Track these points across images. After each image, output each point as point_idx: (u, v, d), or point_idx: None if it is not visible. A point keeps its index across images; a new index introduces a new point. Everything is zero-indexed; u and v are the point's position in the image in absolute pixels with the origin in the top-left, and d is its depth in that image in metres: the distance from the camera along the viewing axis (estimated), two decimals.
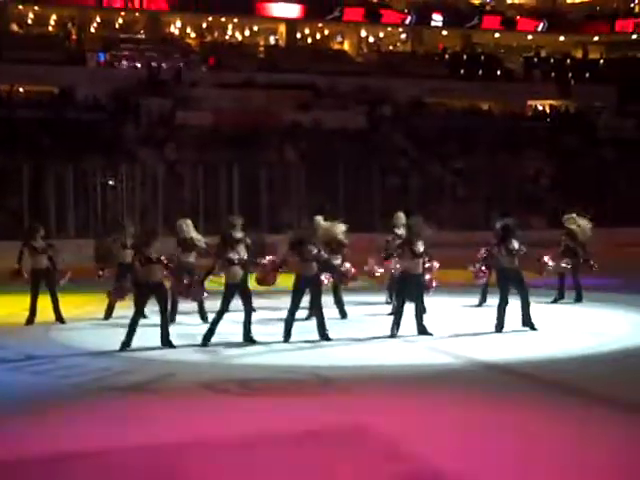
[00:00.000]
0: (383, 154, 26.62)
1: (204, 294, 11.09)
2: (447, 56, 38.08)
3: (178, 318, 12.15)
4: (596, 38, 40.39)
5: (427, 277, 11.23)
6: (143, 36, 36.06)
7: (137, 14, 36.10)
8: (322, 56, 36.52)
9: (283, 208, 23.52)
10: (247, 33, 38.29)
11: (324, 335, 10.63)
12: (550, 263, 12.74)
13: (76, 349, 10.42)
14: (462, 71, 36.52)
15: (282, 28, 37.80)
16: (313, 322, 11.04)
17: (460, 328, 11.58)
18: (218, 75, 31.81)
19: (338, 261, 12.08)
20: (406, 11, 38.01)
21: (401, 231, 12.74)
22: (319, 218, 12.06)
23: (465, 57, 38.06)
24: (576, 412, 7.48)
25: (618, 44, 40.08)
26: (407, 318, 11.01)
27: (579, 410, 7.57)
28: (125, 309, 10.51)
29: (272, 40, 38.54)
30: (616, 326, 11.90)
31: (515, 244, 11.19)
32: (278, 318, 11.64)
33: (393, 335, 10.78)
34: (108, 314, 12.16)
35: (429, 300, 11.97)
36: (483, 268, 12.53)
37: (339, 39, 39.25)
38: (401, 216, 13.36)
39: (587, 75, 37.71)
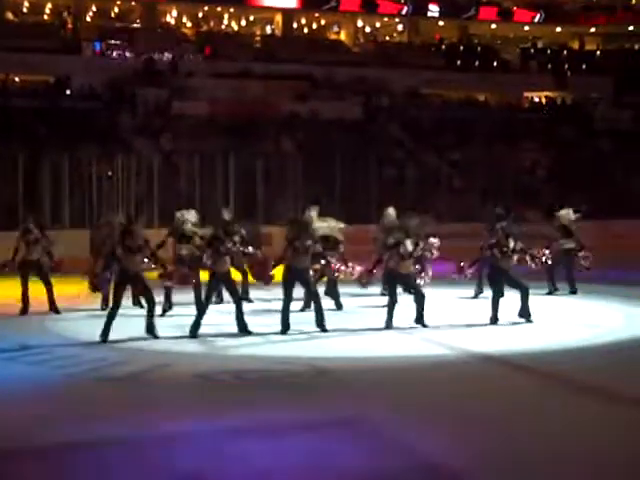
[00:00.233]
0: (380, 145, 26.58)
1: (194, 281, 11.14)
2: (444, 47, 37.99)
3: (174, 309, 12.16)
4: (593, 29, 40.33)
5: (423, 275, 11.26)
6: (139, 25, 35.91)
7: (133, 3, 35.92)
8: (319, 46, 36.41)
9: (279, 199, 23.48)
10: (243, 23, 38.14)
11: (321, 325, 10.64)
12: (544, 253, 12.72)
13: (72, 339, 10.42)
14: (458, 62, 36.44)
15: (278, 18, 37.67)
16: (309, 313, 11.05)
17: (455, 319, 11.60)
18: (214, 65, 31.69)
19: (333, 258, 12.09)
20: (402, 1, 37.89)
21: (389, 225, 12.69)
22: (313, 215, 12.06)
23: (462, 48, 37.97)
24: (571, 404, 7.50)
25: (615, 35, 40.04)
26: (402, 310, 11.03)
27: (574, 402, 7.59)
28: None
29: (268, 30, 38.41)
30: (611, 318, 11.93)
31: (511, 243, 11.19)
32: (274, 309, 11.65)
33: (388, 327, 10.80)
34: (104, 304, 12.14)
35: (425, 291, 11.98)
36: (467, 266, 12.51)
37: (335, 29, 39.14)
38: (390, 212, 13.33)
39: (584, 66, 37.67)
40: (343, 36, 39.05)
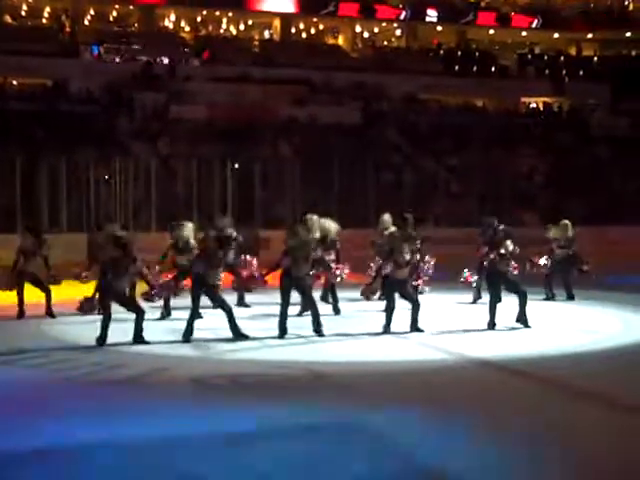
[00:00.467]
0: (377, 150, 26.60)
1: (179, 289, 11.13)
2: (442, 52, 38.07)
3: (172, 314, 12.16)
4: (590, 35, 40.44)
5: (419, 282, 11.28)
6: (137, 29, 35.94)
7: (131, 7, 35.97)
8: (317, 51, 36.47)
9: (277, 203, 23.49)
10: (242, 27, 38.20)
11: (318, 330, 10.64)
12: (542, 262, 12.74)
13: (69, 343, 10.40)
14: (456, 67, 36.51)
15: (277, 22, 37.73)
16: (306, 318, 11.05)
17: (454, 325, 11.60)
18: (212, 69, 31.72)
19: (332, 257, 12.12)
20: (401, 6, 37.98)
21: (387, 232, 12.71)
22: (315, 217, 12.07)
23: (459, 53, 38.06)
24: (569, 409, 7.50)
25: (612, 42, 40.14)
26: (400, 315, 11.03)
27: (572, 407, 7.59)
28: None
29: (267, 35, 38.47)
30: (609, 324, 11.94)
31: (510, 246, 11.21)
32: (271, 314, 11.64)
33: (385, 332, 10.80)
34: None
35: (422, 296, 11.99)
36: (469, 275, 12.51)
37: (334, 34, 39.20)
38: (386, 219, 13.36)
39: (581, 72, 37.75)
40: (341, 41, 39.12)
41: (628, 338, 10.86)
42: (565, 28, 39.93)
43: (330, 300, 12.68)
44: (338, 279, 12.11)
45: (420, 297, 11.31)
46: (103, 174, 22.69)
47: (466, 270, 12.58)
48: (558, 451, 6.25)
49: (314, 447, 6.38)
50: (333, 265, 12.04)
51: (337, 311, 12.52)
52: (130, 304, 10.30)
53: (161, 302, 12.13)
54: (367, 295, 11.79)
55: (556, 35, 40.34)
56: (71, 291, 12.42)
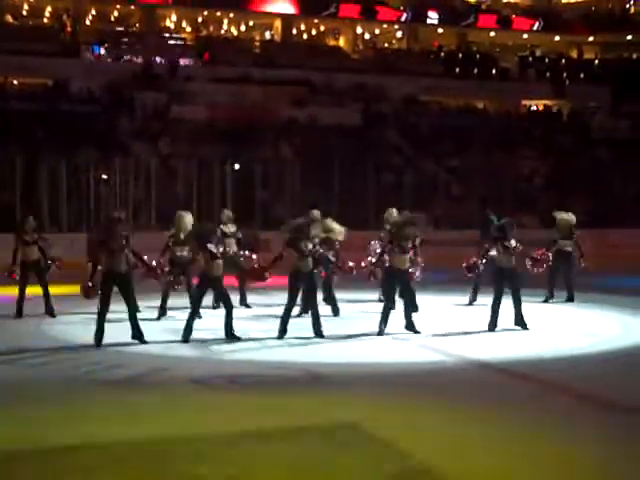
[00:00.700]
0: (378, 151, 26.60)
1: (181, 284, 11.13)
2: (442, 54, 38.08)
3: (169, 313, 12.17)
4: (591, 38, 40.46)
5: (410, 270, 11.25)
6: (138, 29, 35.96)
7: (132, 7, 35.99)
8: (318, 52, 36.49)
9: (277, 204, 23.50)
10: (243, 28, 38.22)
11: (319, 332, 10.64)
12: (545, 257, 12.69)
13: (68, 343, 10.40)
14: (457, 69, 36.52)
15: (278, 23, 37.75)
16: (306, 319, 11.05)
17: (452, 326, 11.60)
18: (213, 70, 31.73)
19: (331, 256, 12.11)
20: (402, 8, 38.00)
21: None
22: (316, 212, 12.08)
23: (460, 55, 38.06)
24: (569, 411, 7.50)
25: (613, 44, 40.16)
26: (397, 315, 11.03)
27: (572, 409, 7.59)
28: (118, 304, 10.50)
29: (268, 35, 38.48)
30: (608, 327, 11.94)
31: (513, 242, 11.20)
32: (272, 314, 11.65)
33: (380, 332, 10.78)
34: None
35: (420, 298, 12.00)
36: (477, 262, 12.43)
37: (335, 35, 39.21)
38: (393, 212, 13.38)
39: (582, 75, 37.76)
40: (342, 42, 39.14)
41: (627, 341, 10.86)
42: (566, 31, 39.95)
43: (329, 301, 12.67)
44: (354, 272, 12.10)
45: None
46: (103, 174, 22.70)
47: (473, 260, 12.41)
48: (557, 452, 6.25)
49: (312, 448, 6.38)
50: (333, 259, 12.04)
51: (336, 312, 12.52)
52: (128, 290, 10.26)
53: (158, 302, 12.17)
54: (371, 274, 11.77)
55: (557, 38, 40.36)
56: (71, 290, 12.43)
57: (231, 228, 12.80)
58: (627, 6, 41.23)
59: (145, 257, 10.91)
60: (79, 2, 34.67)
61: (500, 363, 9.33)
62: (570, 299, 14.02)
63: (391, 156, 27.31)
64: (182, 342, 10.24)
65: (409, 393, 8.06)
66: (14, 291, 12.54)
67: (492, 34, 40.04)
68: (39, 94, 28.76)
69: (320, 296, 12.13)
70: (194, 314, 10.46)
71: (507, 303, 11.34)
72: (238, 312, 12.15)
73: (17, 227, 12.56)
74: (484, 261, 11.72)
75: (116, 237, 10.15)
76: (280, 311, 10.78)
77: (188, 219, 12.15)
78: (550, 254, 12.82)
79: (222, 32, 38.02)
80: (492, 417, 7.25)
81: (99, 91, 28.59)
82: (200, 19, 37.43)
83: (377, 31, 39.82)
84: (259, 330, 11.09)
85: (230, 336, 10.41)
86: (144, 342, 10.14)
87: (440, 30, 39.18)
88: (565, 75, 37.72)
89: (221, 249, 10.47)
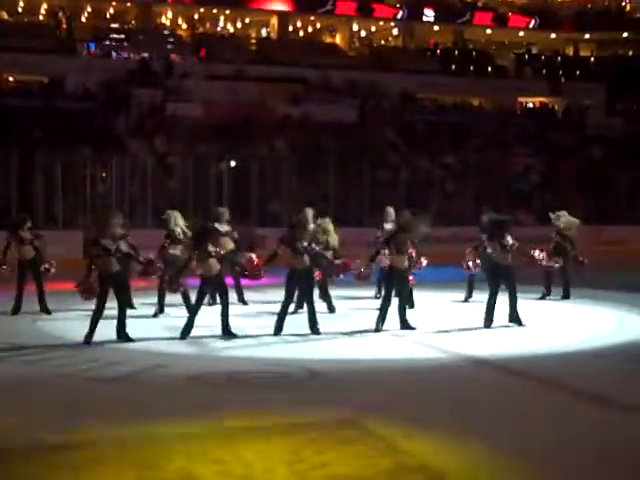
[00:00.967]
0: (373, 148, 26.62)
1: (181, 287, 11.09)
2: (438, 51, 38.10)
3: (165, 310, 12.18)
4: (587, 36, 40.51)
5: (410, 277, 11.26)
6: (134, 26, 35.91)
7: (128, 4, 35.93)
8: (314, 49, 36.47)
9: (273, 201, 23.51)
10: (239, 25, 38.19)
11: (315, 329, 10.66)
12: (542, 256, 12.74)
13: (64, 340, 10.41)
14: (453, 67, 36.54)
15: (274, 20, 37.73)
16: (302, 316, 11.07)
17: (447, 323, 11.63)
18: (209, 67, 31.69)
19: (328, 254, 12.12)
20: (398, 6, 38.01)
21: (390, 226, 12.78)
22: (310, 211, 12.11)
23: (456, 53, 38.08)
24: (566, 408, 7.54)
25: (609, 42, 40.21)
26: (394, 312, 11.06)
27: (569, 406, 7.63)
28: (114, 301, 10.52)
29: (264, 33, 38.46)
30: (604, 323, 11.98)
31: (509, 239, 11.24)
32: (268, 311, 11.67)
33: (378, 330, 10.81)
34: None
35: (416, 295, 12.03)
36: (472, 264, 12.46)
37: (331, 32, 39.20)
38: (390, 211, 13.41)
39: (577, 73, 37.82)
40: (338, 39, 39.13)
41: (623, 337, 10.90)
42: (562, 28, 40.00)
43: (325, 298, 12.69)
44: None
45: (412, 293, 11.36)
46: (99, 171, 22.68)
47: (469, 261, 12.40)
48: (553, 450, 6.29)
49: (311, 445, 6.40)
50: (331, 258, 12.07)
51: (332, 309, 12.55)
52: (122, 290, 10.26)
53: (154, 299, 12.19)
54: (361, 274, 11.73)
55: (553, 35, 40.40)
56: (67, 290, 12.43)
57: (226, 227, 12.81)
58: (623, 4, 41.30)
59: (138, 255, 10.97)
60: None
61: (496, 360, 9.37)
62: (566, 296, 14.07)
63: (387, 153, 27.32)
64: (179, 339, 10.26)
65: (406, 389, 8.09)
66: (9, 288, 12.54)
67: (488, 32, 40.07)
68: (35, 91, 28.71)
69: (316, 293, 12.16)
70: (196, 312, 10.44)
71: (503, 300, 11.38)
72: (235, 309, 12.16)
73: (13, 225, 12.52)
74: (477, 262, 11.78)
75: (107, 237, 10.17)
76: (276, 308, 10.80)
77: (178, 217, 12.16)
78: (545, 254, 12.80)
79: (218, 29, 37.98)
80: (488, 413, 7.28)
81: (95, 88, 28.54)
82: (196, 16, 37.38)
83: (373, 28, 39.81)
84: (256, 327, 11.12)
85: (227, 333, 10.43)
86: (130, 340, 10.15)
87: (436, 27, 39.19)
88: (561, 73, 37.77)
89: (217, 248, 10.47)
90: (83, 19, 35.58)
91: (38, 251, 12.31)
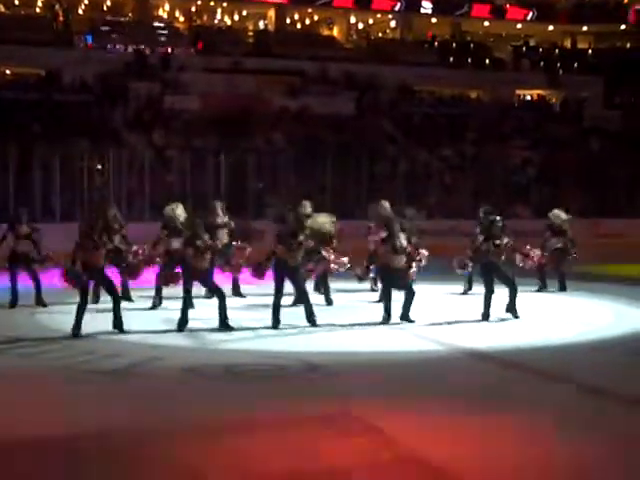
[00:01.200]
0: (371, 141, 26.60)
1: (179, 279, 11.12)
2: (436, 44, 38.03)
3: (163, 303, 12.18)
4: (585, 28, 40.44)
5: (412, 270, 11.20)
6: (131, 19, 35.80)
7: None
8: (311, 42, 36.38)
9: (270, 194, 23.49)
10: (236, 17, 38.08)
11: (312, 321, 10.67)
12: (536, 253, 12.74)
13: (61, 332, 10.39)
14: (451, 59, 36.48)
15: (271, 13, 37.63)
16: (300, 308, 11.07)
17: (446, 316, 11.63)
18: (206, 59, 31.61)
19: (327, 253, 12.13)
20: None
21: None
22: (307, 210, 12.13)
23: (454, 45, 38.02)
24: (562, 400, 7.55)
25: (606, 34, 40.15)
26: (394, 305, 11.06)
27: (565, 398, 7.64)
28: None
29: (261, 25, 38.36)
30: (602, 316, 12.00)
31: (504, 239, 11.25)
32: (265, 304, 11.67)
33: (385, 322, 10.82)
34: (95, 298, 12.11)
35: (415, 288, 11.99)
36: (467, 261, 12.45)
37: (329, 24, 39.10)
38: (386, 205, 13.38)
39: (575, 65, 37.77)
40: (336, 32, 39.04)
41: (620, 330, 10.92)
42: (560, 20, 39.92)
43: (322, 290, 12.71)
44: (341, 268, 12.03)
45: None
46: (96, 164, 22.64)
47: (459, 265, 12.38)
48: (551, 441, 6.30)
49: (309, 437, 6.41)
50: (331, 256, 12.08)
51: (329, 302, 12.55)
52: (109, 284, 10.26)
53: (152, 291, 12.19)
54: (358, 274, 11.73)
55: (551, 27, 40.33)
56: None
57: (224, 218, 12.80)
58: None
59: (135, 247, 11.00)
60: None
61: (494, 352, 9.38)
62: (562, 289, 14.08)
63: (384, 145, 27.30)
64: (176, 332, 10.26)
65: (404, 382, 8.10)
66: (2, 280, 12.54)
67: (486, 24, 39.97)
68: (32, 84, 28.63)
69: (311, 286, 12.17)
70: (188, 304, 10.46)
71: (500, 293, 11.39)
72: (232, 302, 12.18)
73: (11, 221, 12.51)
74: (470, 262, 11.82)
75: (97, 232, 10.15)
76: (272, 300, 10.79)
77: (180, 210, 12.15)
78: (539, 252, 12.76)
79: (215, 22, 37.88)
80: (486, 406, 7.29)
81: (92, 81, 28.47)
82: (193, 8, 37.26)
83: (371, 21, 39.72)
84: (253, 319, 11.12)
85: (224, 325, 10.44)
86: (123, 331, 10.14)
87: (434, 20, 39.10)
88: (558, 65, 37.72)
89: (209, 242, 10.45)
90: (80, 11, 35.44)
91: (36, 244, 12.29)
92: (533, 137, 29.95)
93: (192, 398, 7.51)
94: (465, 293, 13.72)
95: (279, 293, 10.68)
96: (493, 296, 11.24)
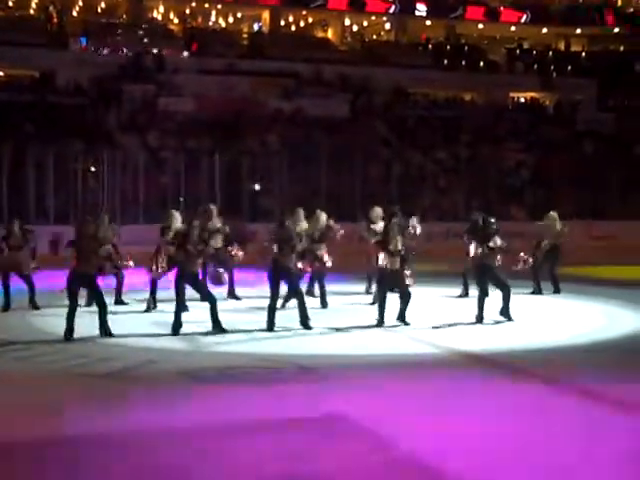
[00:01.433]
0: (365, 143, 26.63)
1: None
2: (430, 46, 38.10)
3: (158, 306, 12.18)
4: (578, 31, 40.56)
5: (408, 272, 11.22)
6: (125, 21, 35.77)
7: None
8: (306, 44, 36.41)
9: (264, 196, 23.51)
10: (231, 19, 38.08)
11: (306, 324, 10.68)
12: (527, 258, 12.75)
13: (55, 335, 10.36)
14: (445, 61, 36.56)
15: (266, 15, 37.64)
16: (294, 311, 11.07)
17: (441, 318, 11.64)
18: (201, 61, 31.63)
19: (322, 251, 12.17)
20: (390, 0, 37.97)
21: (379, 227, 12.75)
22: (301, 212, 12.18)
23: (448, 47, 38.09)
24: (554, 403, 7.57)
25: (600, 37, 40.27)
26: (389, 307, 11.07)
27: (557, 401, 7.67)
28: (107, 296, 10.51)
29: (256, 27, 38.37)
30: (594, 318, 12.03)
31: (498, 240, 11.27)
32: (260, 307, 11.68)
33: (379, 325, 10.84)
34: (89, 301, 12.09)
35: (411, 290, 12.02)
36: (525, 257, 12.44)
37: (323, 27, 39.13)
38: (378, 211, 13.40)
39: (569, 68, 37.88)
40: (330, 34, 39.07)
41: (612, 332, 10.94)
42: (554, 23, 40.02)
43: (317, 293, 12.72)
44: (328, 264, 12.11)
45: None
46: (91, 166, 22.63)
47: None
48: (542, 444, 6.31)
49: (301, 439, 6.42)
50: (325, 256, 12.12)
51: (324, 304, 12.56)
52: (99, 293, 10.27)
53: (147, 294, 12.19)
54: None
55: (544, 30, 40.43)
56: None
57: (217, 223, 12.79)
58: None
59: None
60: None
61: (489, 354, 9.40)
62: (556, 291, 14.11)
63: (379, 148, 27.34)
64: (171, 335, 10.26)
65: (397, 385, 8.10)
66: None
67: (480, 26, 40.06)
68: (25, 85, 28.59)
69: (304, 288, 12.17)
70: (180, 307, 10.45)
71: (494, 295, 11.42)
72: (227, 304, 12.20)
73: (2, 235, 12.48)
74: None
75: (86, 238, 10.15)
76: (267, 302, 10.79)
77: (177, 217, 12.16)
78: (531, 259, 12.76)
79: (210, 24, 37.87)
80: (481, 408, 7.31)
81: (86, 83, 28.44)
82: (188, 10, 37.24)
83: (365, 23, 39.76)
84: (247, 322, 11.12)
85: (217, 328, 10.43)
86: (111, 335, 10.16)
87: (428, 22, 39.16)
88: (552, 68, 37.82)
89: (200, 247, 10.43)
90: (74, 13, 35.41)
91: (34, 251, 12.31)
92: (527, 139, 30.04)
93: (187, 401, 7.51)
94: (460, 297, 13.71)
95: (275, 296, 10.68)
96: (487, 299, 11.27)
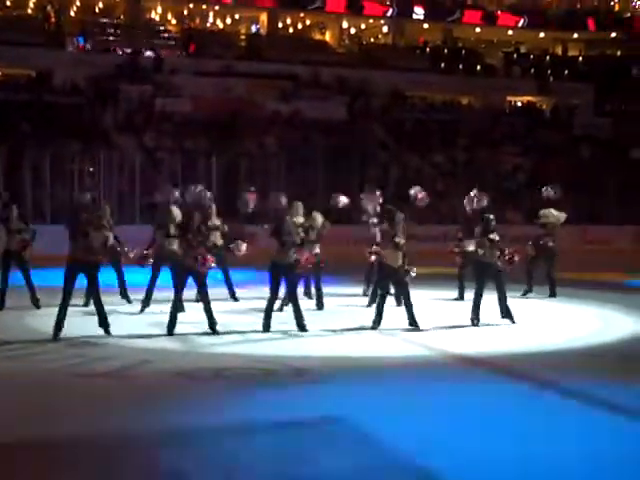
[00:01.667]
0: (363, 146, 26.63)
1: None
2: (428, 49, 38.15)
3: (152, 306, 12.16)
4: (575, 35, 40.65)
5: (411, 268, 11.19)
6: (123, 21, 35.75)
7: None
8: (303, 46, 36.42)
9: (262, 198, 23.45)
10: (228, 21, 38.09)
11: (301, 325, 10.66)
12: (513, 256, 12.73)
13: (51, 335, 10.35)
14: (443, 65, 36.60)
15: (264, 17, 37.66)
16: (290, 313, 11.07)
17: (435, 321, 11.63)
18: (198, 62, 31.61)
19: (317, 250, 12.17)
20: (388, 3, 38.02)
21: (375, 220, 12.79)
22: (300, 205, 12.21)
23: (446, 51, 38.15)
24: (551, 406, 7.58)
25: (597, 42, 40.36)
26: (387, 311, 11.07)
27: (554, 404, 7.67)
28: (104, 296, 10.49)
29: (253, 29, 38.37)
30: (589, 322, 12.05)
31: (496, 236, 11.28)
32: (256, 308, 11.68)
33: (374, 327, 10.81)
34: (87, 300, 12.07)
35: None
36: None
37: (321, 29, 39.16)
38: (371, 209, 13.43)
39: (566, 72, 37.95)
40: (328, 37, 39.10)
41: (608, 336, 10.96)
42: (551, 27, 40.11)
43: (314, 295, 12.72)
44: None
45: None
46: (87, 166, 22.60)
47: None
48: (544, 449, 6.32)
49: (296, 442, 6.41)
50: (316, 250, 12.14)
51: (320, 306, 12.55)
52: (92, 281, 10.21)
53: (142, 295, 12.18)
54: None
55: (542, 34, 40.51)
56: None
57: (216, 221, 12.81)
58: (612, 3, 41.46)
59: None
60: None
61: (485, 358, 9.41)
62: (552, 295, 14.13)
63: (376, 151, 27.35)
64: (166, 335, 10.24)
65: (392, 387, 8.10)
66: None
67: (477, 30, 40.11)
68: (22, 84, 28.55)
69: (301, 290, 12.18)
70: (176, 306, 10.44)
71: (489, 297, 11.42)
72: (223, 305, 12.19)
73: (1, 213, 12.46)
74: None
75: (81, 224, 10.08)
76: (264, 304, 10.79)
77: (177, 212, 12.14)
78: (517, 256, 12.78)
79: (207, 25, 37.87)
80: (476, 413, 7.30)
81: (83, 83, 28.41)
82: (186, 11, 37.23)
83: (363, 26, 39.78)
84: (243, 323, 11.12)
85: (213, 329, 10.42)
86: (109, 333, 10.12)
87: (426, 25, 39.21)
88: (549, 72, 37.88)
89: (200, 237, 10.40)
90: (72, 13, 35.38)
91: (28, 243, 12.22)
92: (524, 144, 30.07)
93: (182, 401, 7.50)
94: (456, 299, 13.72)
95: (273, 297, 10.67)
96: (482, 300, 11.26)
